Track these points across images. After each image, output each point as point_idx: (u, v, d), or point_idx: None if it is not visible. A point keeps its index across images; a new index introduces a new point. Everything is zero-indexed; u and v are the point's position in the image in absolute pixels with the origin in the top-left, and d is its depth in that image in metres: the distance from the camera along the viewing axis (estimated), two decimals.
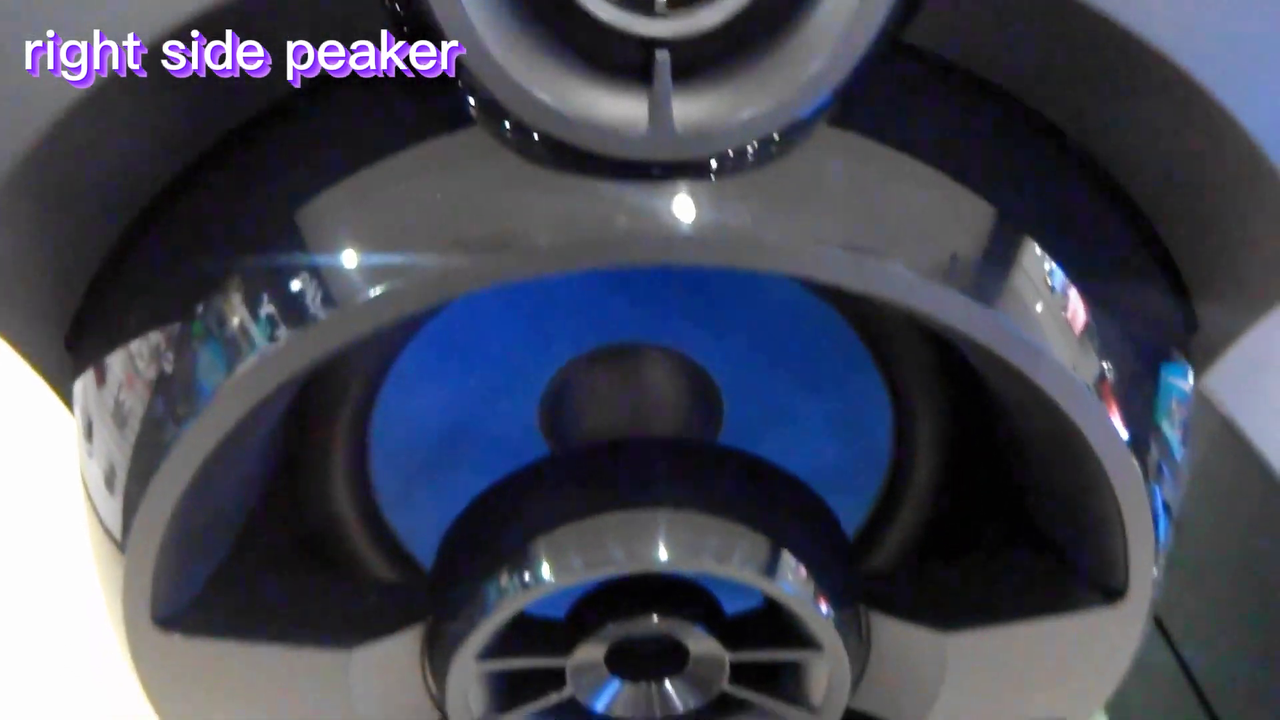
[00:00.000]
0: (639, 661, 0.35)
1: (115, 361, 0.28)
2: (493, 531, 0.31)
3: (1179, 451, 0.32)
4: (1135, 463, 0.28)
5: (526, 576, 0.29)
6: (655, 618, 0.31)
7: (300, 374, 0.26)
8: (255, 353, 0.25)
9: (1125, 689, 0.36)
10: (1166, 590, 0.32)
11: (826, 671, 0.32)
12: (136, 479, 0.28)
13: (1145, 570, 0.31)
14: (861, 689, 0.34)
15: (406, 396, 0.39)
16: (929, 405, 0.38)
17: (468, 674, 0.31)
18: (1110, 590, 0.31)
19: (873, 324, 0.37)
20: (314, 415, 0.37)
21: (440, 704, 0.32)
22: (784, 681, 0.34)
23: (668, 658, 0.35)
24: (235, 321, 0.26)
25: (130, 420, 0.28)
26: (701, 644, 0.32)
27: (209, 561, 0.31)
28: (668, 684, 0.34)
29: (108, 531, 0.29)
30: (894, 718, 0.34)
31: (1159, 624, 0.57)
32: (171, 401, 0.27)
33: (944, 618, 0.32)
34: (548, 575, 0.29)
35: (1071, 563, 0.33)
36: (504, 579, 0.29)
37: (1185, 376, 0.32)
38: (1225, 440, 0.51)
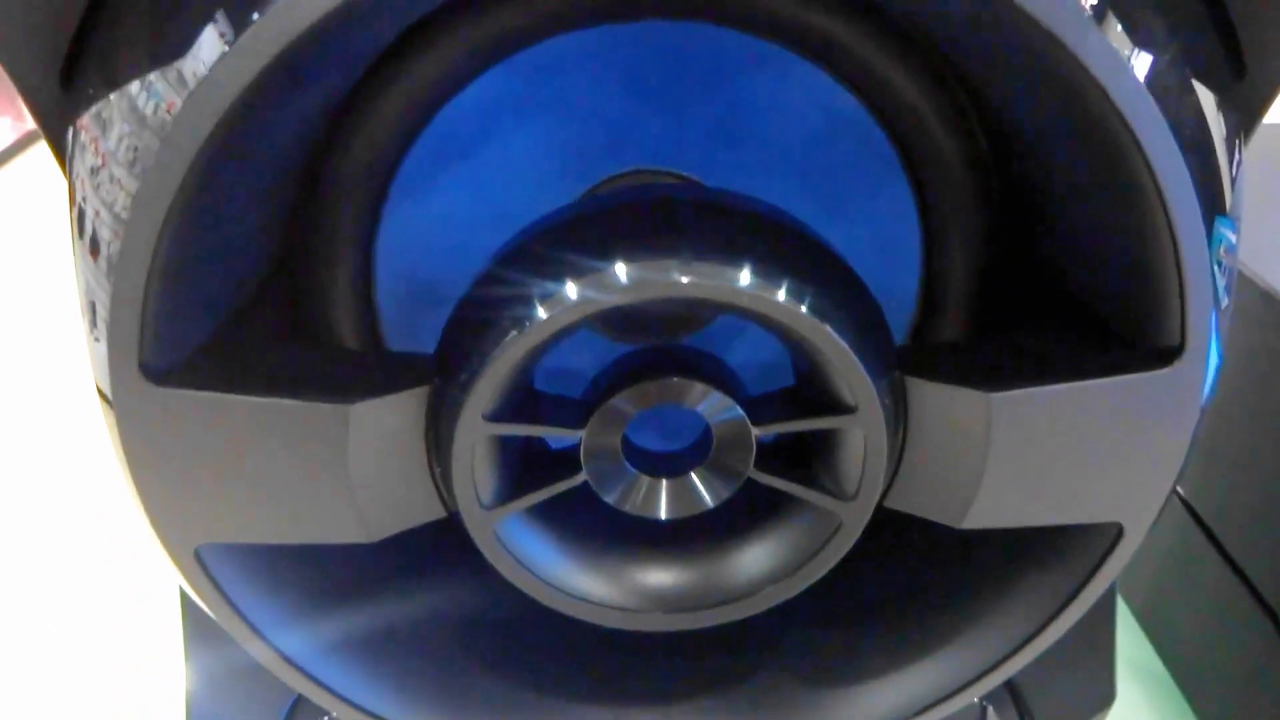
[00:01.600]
0: (658, 461, 0.33)
1: (111, 102, 0.27)
2: (500, 290, 0.29)
3: (1232, 208, 0.30)
4: (1191, 188, 0.26)
5: (533, 310, 0.27)
6: (675, 379, 0.29)
7: (299, 41, 0.24)
8: (253, 20, 0.24)
9: (1177, 602, 0.33)
10: (1213, 492, 0.30)
11: (860, 446, 0.30)
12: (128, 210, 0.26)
13: (1201, 325, 0.29)
14: (898, 480, 0.31)
15: (412, 218, 0.37)
16: (960, 207, 0.36)
17: (474, 434, 0.29)
18: (1164, 351, 0.29)
19: (902, 119, 0.35)
20: (317, 230, 0.36)
21: (444, 483, 0.30)
22: (815, 472, 0.32)
23: (688, 456, 0.32)
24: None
25: (120, 152, 0.26)
26: (724, 417, 0.30)
27: (199, 328, 0.30)
28: (690, 476, 0.32)
29: (96, 279, 0.27)
30: (934, 515, 0.32)
31: (1208, 533, 0.53)
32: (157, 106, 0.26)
33: (988, 379, 0.29)
34: (569, 298, 0.27)
35: (1121, 332, 0.30)
36: (508, 320, 0.28)
37: (1235, 128, 0.30)
38: (1270, 318, 0.49)
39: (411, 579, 0.39)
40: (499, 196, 0.38)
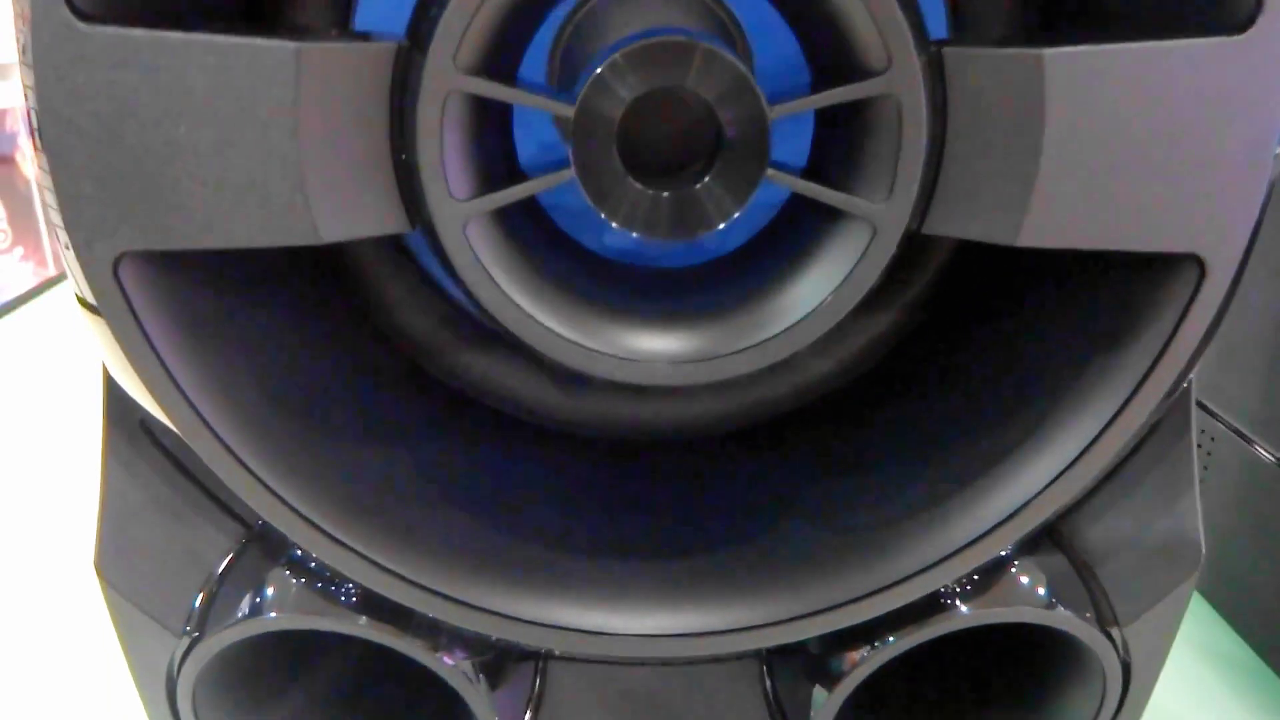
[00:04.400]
0: (659, 177, 0.28)
1: None
2: None
3: None
4: None
5: None
6: (680, 39, 0.25)
7: None
8: None
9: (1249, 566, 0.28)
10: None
11: (893, 130, 0.25)
12: None
13: None
14: (939, 190, 0.27)
15: None
16: None
17: (444, 84, 0.24)
18: (1239, 14, 0.25)
19: None
20: None
21: (410, 174, 0.26)
22: (840, 186, 0.27)
23: (692, 172, 0.28)
24: None
25: None
26: (735, 93, 0.26)
27: None
28: (697, 187, 0.27)
29: None
30: (983, 231, 0.27)
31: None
32: None
33: (1039, 40, 0.25)
34: None
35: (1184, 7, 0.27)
36: None
37: None
38: None
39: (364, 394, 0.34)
40: None
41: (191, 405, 0.27)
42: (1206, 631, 0.53)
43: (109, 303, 0.26)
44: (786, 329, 0.27)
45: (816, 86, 0.28)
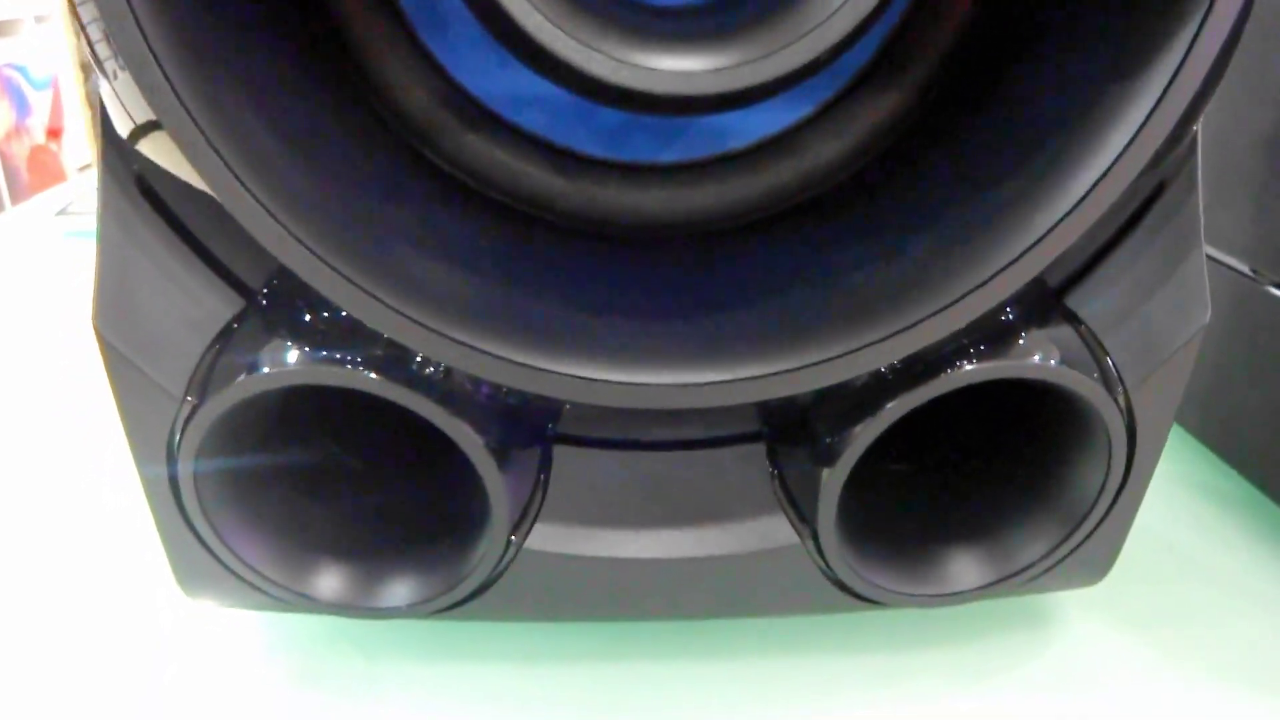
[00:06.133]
0: None
1: None
2: None
3: None
4: None
5: None
6: None
7: None
8: None
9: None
10: None
11: None
12: None
13: None
14: None
15: None
16: None
17: None
18: None
19: None
20: None
21: None
22: None
23: None
24: None
25: None
26: None
27: None
28: None
29: None
30: None
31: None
32: None
33: None
34: None
35: None
36: None
37: None
38: None
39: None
40: None
41: (211, 146, 0.26)
42: (1201, 469, 0.53)
43: (124, 31, 0.25)
44: (816, 27, 0.27)
45: None
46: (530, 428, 0.36)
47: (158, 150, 0.29)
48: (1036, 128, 0.31)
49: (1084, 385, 0.33)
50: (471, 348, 0.30)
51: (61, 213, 0.91)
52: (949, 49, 0.36)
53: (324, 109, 0.33)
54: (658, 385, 0.30)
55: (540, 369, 0.30)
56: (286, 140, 0.30)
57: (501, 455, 0.34)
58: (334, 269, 0.28)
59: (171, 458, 0.31)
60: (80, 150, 3.48)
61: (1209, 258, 0.51)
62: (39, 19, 3.44)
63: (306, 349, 0.31)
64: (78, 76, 2.88)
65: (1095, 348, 0.35)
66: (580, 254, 0.36)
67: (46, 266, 0.84)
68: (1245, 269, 0.49)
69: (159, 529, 0.34)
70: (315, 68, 0.33)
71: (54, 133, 3.62)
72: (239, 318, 0.32)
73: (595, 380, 0.30)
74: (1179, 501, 0.51)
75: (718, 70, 0.27)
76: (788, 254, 0.35)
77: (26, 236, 0.90)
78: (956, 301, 0.30)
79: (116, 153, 0.31)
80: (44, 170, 3.44)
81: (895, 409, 0.33)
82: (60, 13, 3.30)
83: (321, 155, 0.31)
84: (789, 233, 0.36)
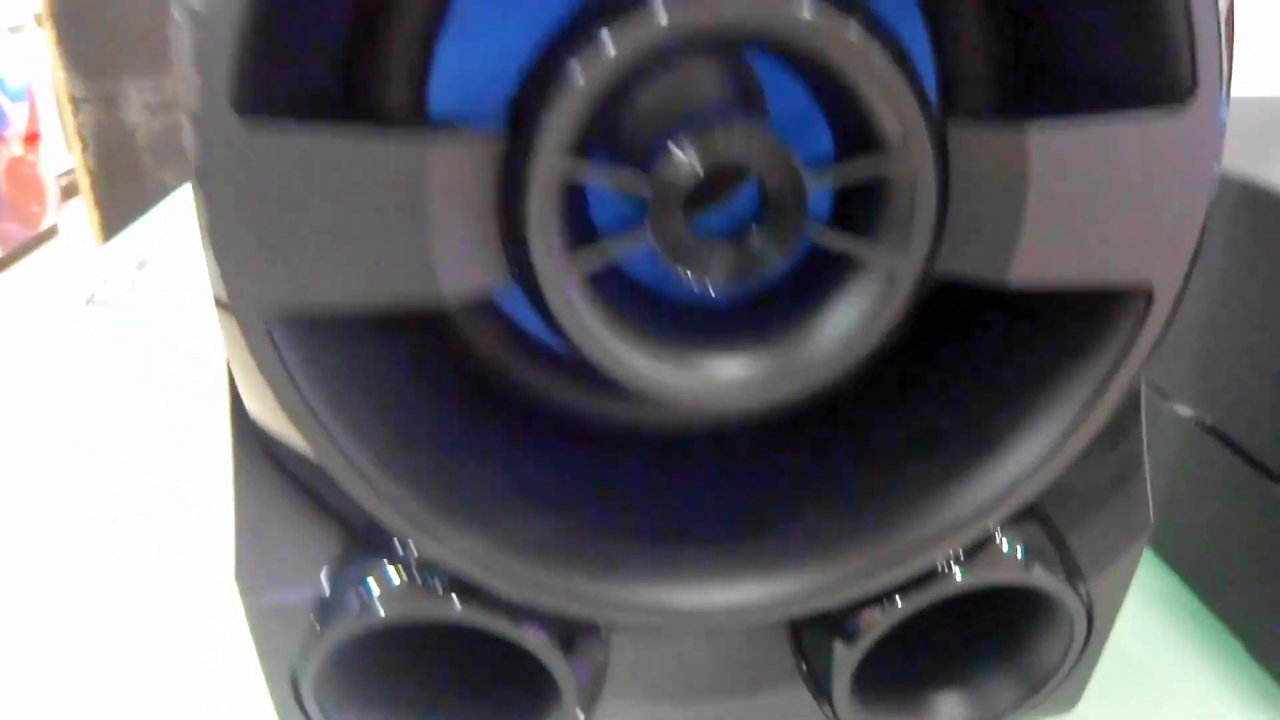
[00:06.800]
0: (715, 234, 0.34)
1: None
2: (573, 37, 0.31)
3: None
4: None
5: (618, 25, 0.29)
6: (738, 122, 0.31)
7: None
8: None
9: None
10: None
11: (907, 193, 0.32)
12: None
13: (1211, 66, 0.32)
14: (945, 237, 0.33)
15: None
16: (976, 51, 0.39)
17: (553, 171, 0.30)
18: (1179, 90, 0.32)
19: None
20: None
21: (514, 242, 0.31)
22: (859, 227, 0.33)
23: (743, 226, 0.34)
24: None
25: None
26: (778, 167, 0.31)
27: (284, 73, 0.30)
28: (750, 239, 0.33)
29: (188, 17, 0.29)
30: (980, 270, 0.33)
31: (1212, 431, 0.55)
32: None
33: (1022, 122, 0.32)
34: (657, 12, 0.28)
35: (1131, 86, 0.33)
36: (590, 48, 0.29)
37: None
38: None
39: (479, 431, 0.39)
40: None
41: (332, 440, 0.32)
42: (1152, 576, 0.61)
43: (266, 359, 0.31)
44: (826, 356, 0.33)
45: (838, 147, 0.35)
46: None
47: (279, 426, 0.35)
48: (999, 387, 0.38)
49: (1054, 587, 0.40)
50: (541, 584, 0.36)
51: (91, 301, 0.96)
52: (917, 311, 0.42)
53: (421, 372, 0.39)
54: (725, 610, 0.37)
55: (610, 601, 0.36)
56: (383, 413, 0.36)
57: (567, 645, 0.40)
58: (422, 528, 0.34)
59: (296, 683, 0.38)
60: (60, 158, 3.47)
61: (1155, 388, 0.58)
62: (13, 29, 3.42)
63: (400, 583, 0.37)
64: (55, 82, 2.88)
65: (1059, 543, 0.41)
66: (622, 469, 0.42)
67: (97, 362, 0.88)
68: (1189, 412, 0.57)
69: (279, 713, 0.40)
70: (415, 338, 0.39)
71: (31, 139, 3.60)
72: (347, 556, 0.38)
73: (670, 609, 0.37)
74: (1134, 607, 0.58)
75: (769, 378, 0.34)
76: (796, 470, 0.42)
77: (46, 315, 0.93)
78: (956, 529, 0.37)
79: (247, 426, 0.37)
80: (23, 183, 3.44)
81: (906, 608, 0.40)
82: (34, 22, 3.29)
83: (407, 415, 0.37)
84: (797, 447, 0.43)
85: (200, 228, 0.31)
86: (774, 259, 0.33)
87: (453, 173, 0.30)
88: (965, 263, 0.33)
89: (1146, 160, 0.32)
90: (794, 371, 0.34)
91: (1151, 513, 0.41)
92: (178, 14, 0.29)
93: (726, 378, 0.34)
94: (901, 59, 0.31)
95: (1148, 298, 0.34)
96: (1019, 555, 0.40)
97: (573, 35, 0.31)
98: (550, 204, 0.31)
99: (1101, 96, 0.34)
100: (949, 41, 0.38)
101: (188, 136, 0.30)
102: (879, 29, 0.31)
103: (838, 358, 0.34)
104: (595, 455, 0.43)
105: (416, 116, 0.37)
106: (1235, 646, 0.55)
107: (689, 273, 0.33)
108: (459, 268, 0.31)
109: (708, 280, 0.33)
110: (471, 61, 0.38)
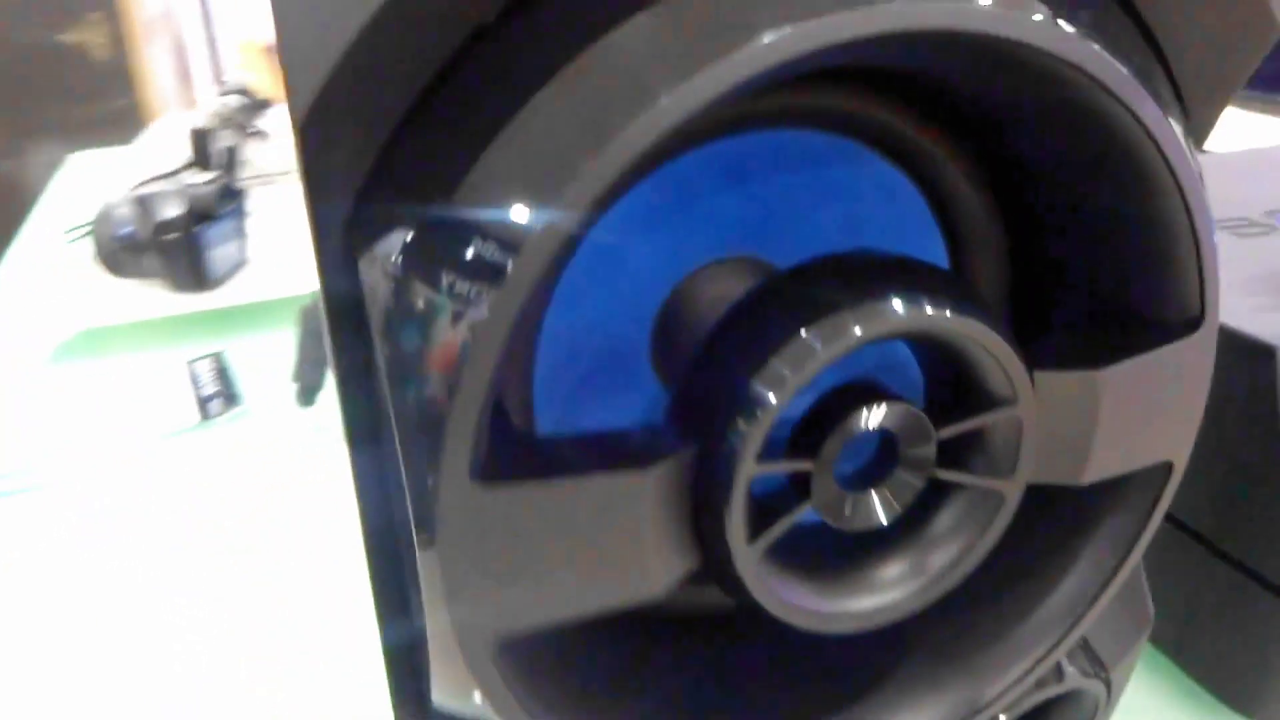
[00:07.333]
0: (852, 482, 0.39)
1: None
2: (747, 340, 0.34)
3: None
4: (1203, 190, 0.37)
5: (812, 345, 0.33)
6: (879, 405, 0.36)
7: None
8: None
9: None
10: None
11: (1010, 432, 0.38)
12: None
13: (1214, 299, 0.40)
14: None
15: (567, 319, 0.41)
16: (984, 243, 0.45)
17: (746, 474, 0.33)
18: (1191, 321, 0.40)
19: (938, 182, 0.44)
20: None
21: (707, 532, 0.35)
22: (969, 463, 0.39)
23: (876, 472, 0.39)
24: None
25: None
26: (910, 427, 0.37)
27: (492, 433, 0.32)
28: (885, 486, 0.38)
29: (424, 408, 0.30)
30: (1061, 478, 0.40)
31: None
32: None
33: (1092, 360, 0.38)
34: (851, 327, 0.33)
35: (1144, 313, 0.41)
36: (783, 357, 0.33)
37: None
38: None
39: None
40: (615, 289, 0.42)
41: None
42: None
43: (490, 683, 0.33)
44: (946, 572, 0.39)
45: (928, 391, 0.40)
46: None
47: None
48: (1043, 543, 0.46)
49: (1094, 686, 0.48)
50: None
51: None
52: None
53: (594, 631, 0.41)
54: None
55: None
56: (566, 680, 0.38)
57: None
58: None
59: None
60: None
61: None
62: None
63: None
64: None
65: (1086, 649, 0.50)
66: (720, 654, 0.46)
67: None
68: None
69: None
70: None
71: None
72: None
73: None
74: None
75: (903, 601, 0.39)
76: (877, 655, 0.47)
77: None
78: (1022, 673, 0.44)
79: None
80: None
81: None
82: None
83: (587, 675, 0.40)
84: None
85: (424, 579, 0.32)
86: (905, 500, 0.38)
87: (660, 488, 0.33)
88: (1048, 474, 0.40)
89: (1172, 375, 0.40)
90: (926, 590, 0.39)
91: (1151, 609, 0.50)
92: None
93: (871, 608, 0.39)
94: (999, 327, 0.37)
95: (1168, 468, 0.43)
96: (1067, 666, 0.48)
97: (743, 334, 0.35)
98: (741, 500, 0.34)
99: (1121, 325, 0.41)
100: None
101: (412, 501, 0.31)
102: (982, 307, 0.37)
103: (960, 571, 0.39)
104: (696, 644, 0.46)
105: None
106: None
107: (836, 520, 0.37)
108: (666, 566, 0.35)
109: (849, 526, 0.38)
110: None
